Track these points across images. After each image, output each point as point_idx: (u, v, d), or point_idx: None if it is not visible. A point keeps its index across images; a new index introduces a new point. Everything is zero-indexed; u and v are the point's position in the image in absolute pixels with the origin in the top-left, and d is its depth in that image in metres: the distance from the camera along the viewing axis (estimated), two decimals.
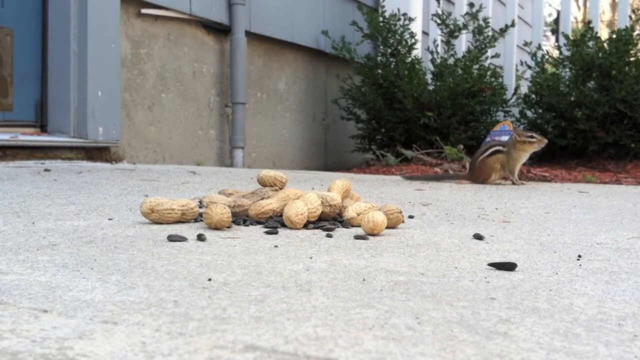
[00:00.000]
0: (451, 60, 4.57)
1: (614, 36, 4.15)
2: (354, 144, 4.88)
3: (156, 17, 3.68)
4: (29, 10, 3.32)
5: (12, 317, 0.67)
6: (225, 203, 1.42)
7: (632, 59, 4.09)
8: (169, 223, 1.36)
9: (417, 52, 4.71)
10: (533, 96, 4.40)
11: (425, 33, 5.22)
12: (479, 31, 4.53)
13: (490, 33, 4.57)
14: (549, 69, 4.52)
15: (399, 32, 4.60)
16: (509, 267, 1.01)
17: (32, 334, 0.62)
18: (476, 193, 2.45)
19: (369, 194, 2.24)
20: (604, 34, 10.79)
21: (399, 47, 4.60)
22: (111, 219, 1.40)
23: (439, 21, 4.62)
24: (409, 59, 4.56)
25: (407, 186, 2.68)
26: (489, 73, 4.46)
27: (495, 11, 5.63)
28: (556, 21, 11.26)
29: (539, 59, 4.48)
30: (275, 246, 1.14)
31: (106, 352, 0.57)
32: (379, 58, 4.74)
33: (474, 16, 4.59)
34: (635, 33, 4.15)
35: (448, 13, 4.77)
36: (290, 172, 3.44)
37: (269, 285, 0.85)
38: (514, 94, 4.63)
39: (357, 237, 1.26)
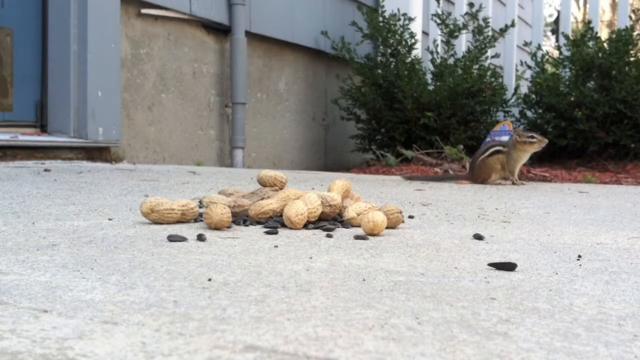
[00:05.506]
0: (451, 61, 4.57)
1: (614, 36, 4.15)
2: (354, 144, 4.88)
3: (156, 17, 3.68)
4: (29, 10, 3.32)
5: (12, 317, 0.67)
6: (225, 203, 1.42)
7: (632, 59, 4.09)
8: (169, 223, 1.36)
9: (417, 52, 4.71)
10: (533, 96, 4.40)
11: (425, 33, 5.22)
12: (479, 31, 4.53)
13: (490, 33, 4.57)
14: (549, 69, 4.52)
15: (399, 32, 4.60)
16: (509, 267, 1.01)
17: (32, 334, 0.62)
18: (476, 193, 2.44)
19: (369, 194, 2.23)
20: (604, 34, 10.79)
21: (399, 47, 4.60)
22: (111, 219, 1.40)
23: (438, 21, 4.62)
24: (409, 59, 4.56)
25: (407, 186, 2.68)
26: (489, 73, 4.46)
27: (495, 11, 5.62)
28: (556, 21, 11.26)
29: (539, 59, 4.48)
30: (275, 246, 1.14)
31: (106, 352, 0.57)
32: (378, 58, 4.74)
33: (474, 16, 4.58)
34: (635, 33, 4.15)
35: (448, 13, 4.76)
36: (290, 172, 3.44)
37: (269, 285, 0.85)
38: (514, 94, 4.63)
39: (357, 237, 1.26)
